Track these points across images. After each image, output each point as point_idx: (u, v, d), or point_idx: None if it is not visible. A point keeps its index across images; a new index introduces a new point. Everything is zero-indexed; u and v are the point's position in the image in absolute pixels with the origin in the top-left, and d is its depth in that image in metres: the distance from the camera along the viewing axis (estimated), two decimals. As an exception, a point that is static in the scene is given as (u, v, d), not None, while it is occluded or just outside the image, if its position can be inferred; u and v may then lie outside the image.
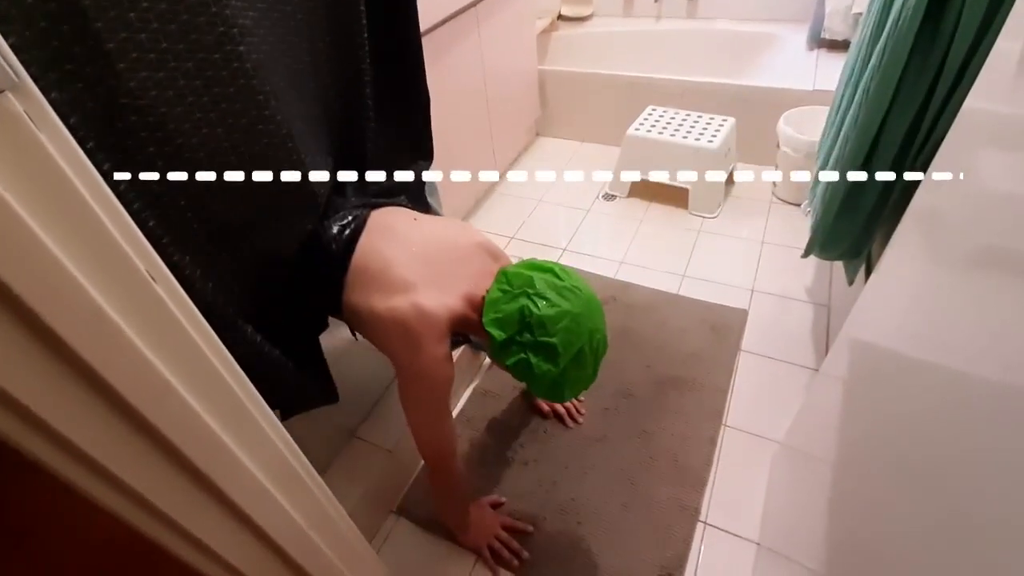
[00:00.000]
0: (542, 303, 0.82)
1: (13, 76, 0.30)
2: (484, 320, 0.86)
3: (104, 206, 0.36)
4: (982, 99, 0.63)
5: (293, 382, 0.91)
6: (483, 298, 0.89)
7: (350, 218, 0.92)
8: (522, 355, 0.83)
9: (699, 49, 2.41)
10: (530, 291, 0.84)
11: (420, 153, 1.22)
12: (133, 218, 0.38)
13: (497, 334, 0.84)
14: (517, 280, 0.86)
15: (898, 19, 0.90)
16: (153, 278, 0.40)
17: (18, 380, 0.34)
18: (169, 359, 0.43)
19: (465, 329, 0.91)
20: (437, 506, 1.09)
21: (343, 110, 1.01)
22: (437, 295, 0.84)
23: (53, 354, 0.35)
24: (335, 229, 0.91)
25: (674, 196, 2.00)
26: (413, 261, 0.87)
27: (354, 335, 1.07)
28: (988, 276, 0.48)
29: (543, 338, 0.81)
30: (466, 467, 1.25)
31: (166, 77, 0.62)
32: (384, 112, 1.07)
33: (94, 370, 0.37)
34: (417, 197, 1.22)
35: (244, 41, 0.69)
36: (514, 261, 1.00)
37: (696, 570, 1.06)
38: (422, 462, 0.96)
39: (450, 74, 1.67)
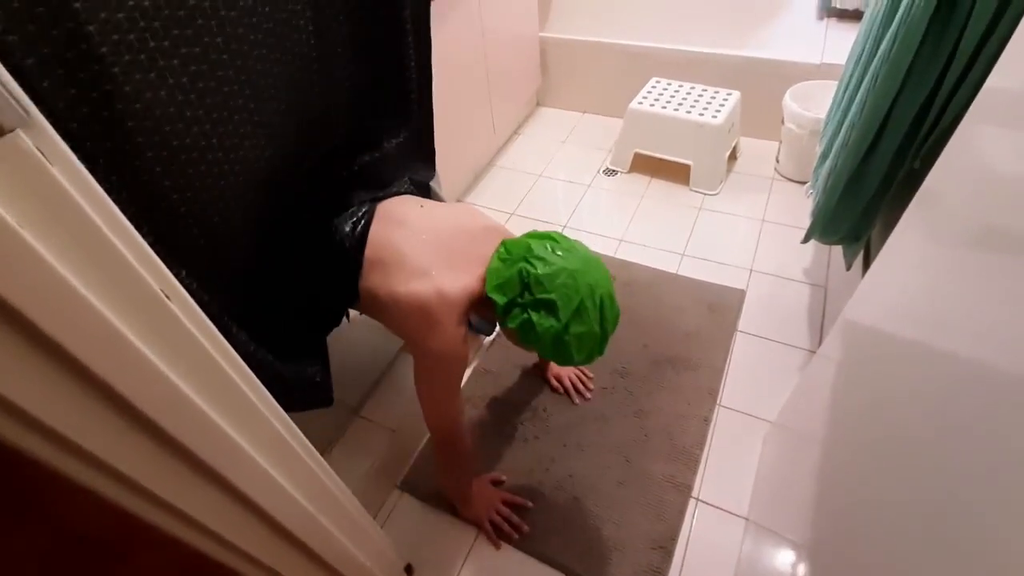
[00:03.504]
0: (539, 263, 0.86)
1: (23, 113, 0.30)
2: (487, 288, 0.89)
3: (119, 233, 0.36)
4: (1004, 78, 0.60)
5: (288, 386, 0.92)
6: None
7: (360, 213, 0.94)
8: (524, 315, 0.86)
9: (705, 13, 2.34)
10: (528, 256, 0.87)
11: (425, 163, 1.23)
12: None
13: (499, 299, 0.87)
14: (515, 248, 0.90)
15: (911, 4, 0.88)
16: (168, 296, 0.41)
17: (44, 402, 0.35)
18: (185, 371, 0.44)
19: (480, 309, 0.94)
20: (442, 478, 1.13)
21: (348, 115, 0.99)
22: (455, 277, 0.88)
23: (76, 378, 0.36)
24: (347, 227, 0.93)
25: (676, 172, 1.98)
26: (426, 247, 0.90)
27: (346, 318, 1.09)
28: (999, 261, 0.47)
29: (542, 295, 0.84)
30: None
31: (157, 77, 0.60)
32: (389, 121, 1.07)
33: (115, 390, 0.38)
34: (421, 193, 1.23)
35: (225, 32, 0.67)
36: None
37: (687, 544, 1.11)
38: (426, 438, 1.00)
39: (448, 40, 1.62)
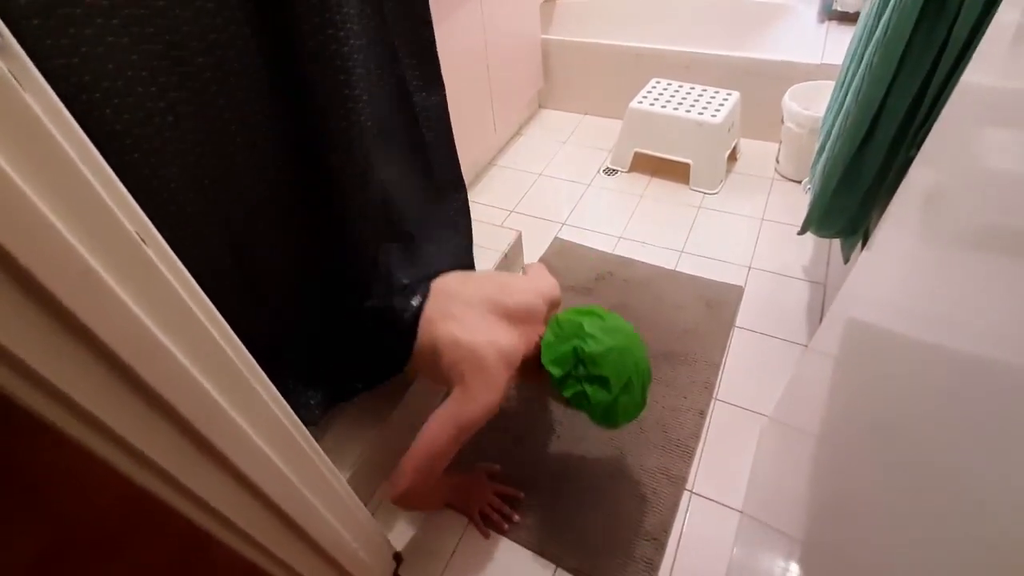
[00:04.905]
0: (591, 341, 0.95)
1: (-4, 36, 0.30)
2: (543, 360, 0.98)
3: (91, 167, 0.37)
4: (979, 72, 0.62)
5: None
6: (538, 341, 1.02)
7: (418, 291, 1.06)
8: (578, 387, 0.95)
9: (708, 18, 2.36)
10: (580, 333, 0.96)
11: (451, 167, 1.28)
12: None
13: (556, 371, 0.97)
14: (568, 325, 0.99)
15: (904, -9, 0.88)
16: (143, 240, 0.41)
17: (14, 335, 0.35)
18: (161, 318, 0.44)
19: (524, 367, 1.03)
20: (438, 504, 1.15)
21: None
22: (507, 335, 0.98)
23: (45, 308, 0.36)
24: (407, 306, 1.04)
25: (676, 171, 1.98)
26: (480, 309, 1.02)
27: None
28: (979, 253, 0.48)
29: (595, 371, 0.93)
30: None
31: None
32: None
33: (85, 326, 0.38)
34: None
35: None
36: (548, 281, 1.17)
37: (680, 536, 1.09)
38: (418, 433, 0.98)
39: (450, 42, 1.64)
